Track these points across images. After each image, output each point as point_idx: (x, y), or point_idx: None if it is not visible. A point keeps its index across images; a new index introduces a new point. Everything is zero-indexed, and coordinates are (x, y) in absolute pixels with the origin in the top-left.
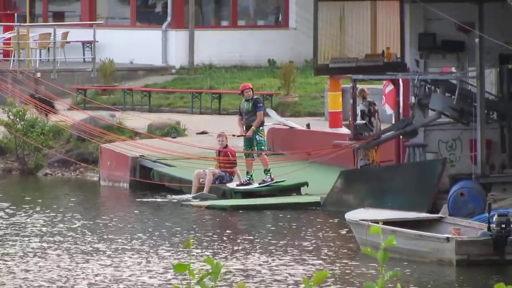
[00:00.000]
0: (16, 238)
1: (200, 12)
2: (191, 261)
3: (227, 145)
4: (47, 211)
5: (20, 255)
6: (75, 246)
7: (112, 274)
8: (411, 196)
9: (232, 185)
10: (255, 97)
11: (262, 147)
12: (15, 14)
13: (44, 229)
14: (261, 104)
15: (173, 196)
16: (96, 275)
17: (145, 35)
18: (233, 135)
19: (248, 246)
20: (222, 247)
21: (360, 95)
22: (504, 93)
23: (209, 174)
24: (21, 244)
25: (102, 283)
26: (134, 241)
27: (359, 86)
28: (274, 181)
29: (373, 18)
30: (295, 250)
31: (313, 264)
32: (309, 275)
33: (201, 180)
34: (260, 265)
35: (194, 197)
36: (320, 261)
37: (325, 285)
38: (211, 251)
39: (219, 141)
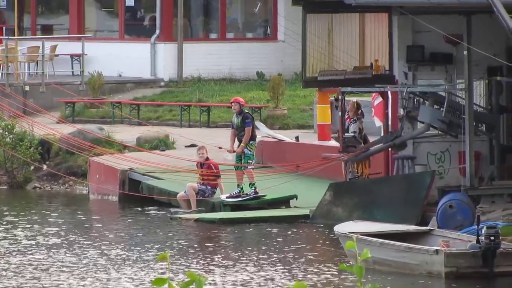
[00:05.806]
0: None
1: (189, 24)
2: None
3: (208, 157)
4: (33, 225)
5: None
6: (61, 260)
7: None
8: (400, 209)
9: (222, 197)
10: (245, 111)
11: (249, 161)
12: (4, 28)
13: (30, 242)
14: (249, 120)
15: (167, 212)
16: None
17: (134, 48)
18: (220, 148)
19: (235, 259)
20: (208, 260)
21: (353, 110)
22: (492, 105)
23: (190, 190)
24: (7, 258)
25: None
26: (122, 253)
27: (352, 99)
28: (257, 195)
29: (361, 31)
30: (282, 264)
31: (299, 278)
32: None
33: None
34: (246, 278)
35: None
36: (308, 275)
37: None
38: (195, 264)
39: (199, 154)
